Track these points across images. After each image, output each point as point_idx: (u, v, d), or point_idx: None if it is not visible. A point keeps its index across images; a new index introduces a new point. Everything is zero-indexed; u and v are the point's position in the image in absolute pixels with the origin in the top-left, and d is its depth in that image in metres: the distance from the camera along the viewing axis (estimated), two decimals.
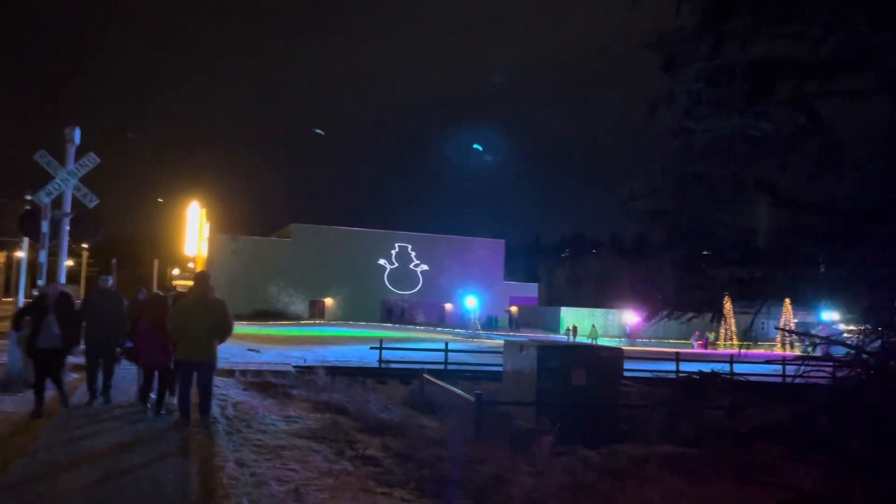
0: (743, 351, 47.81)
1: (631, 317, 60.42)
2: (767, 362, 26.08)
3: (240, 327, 39.51)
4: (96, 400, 10.32)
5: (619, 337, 56.36)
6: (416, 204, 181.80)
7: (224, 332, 9.09)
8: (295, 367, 18.00)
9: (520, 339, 21.40)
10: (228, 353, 22.11)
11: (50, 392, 9.87)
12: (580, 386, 11.95)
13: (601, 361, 12.09)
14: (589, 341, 47.56)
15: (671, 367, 22.15)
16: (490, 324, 62.52)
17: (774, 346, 54.93)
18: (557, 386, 11.92)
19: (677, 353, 23.69)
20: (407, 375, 18.02)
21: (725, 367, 23.67)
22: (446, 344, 21.53)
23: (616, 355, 12.33)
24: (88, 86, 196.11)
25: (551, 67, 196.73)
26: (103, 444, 8.03)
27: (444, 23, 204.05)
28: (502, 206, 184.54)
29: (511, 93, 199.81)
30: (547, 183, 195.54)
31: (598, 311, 66.72)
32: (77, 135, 12.98)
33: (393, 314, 64.74)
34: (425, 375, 14.62)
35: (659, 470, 9.00)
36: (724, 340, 53.78)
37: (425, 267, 68.23)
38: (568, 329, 52.39)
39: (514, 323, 63.60)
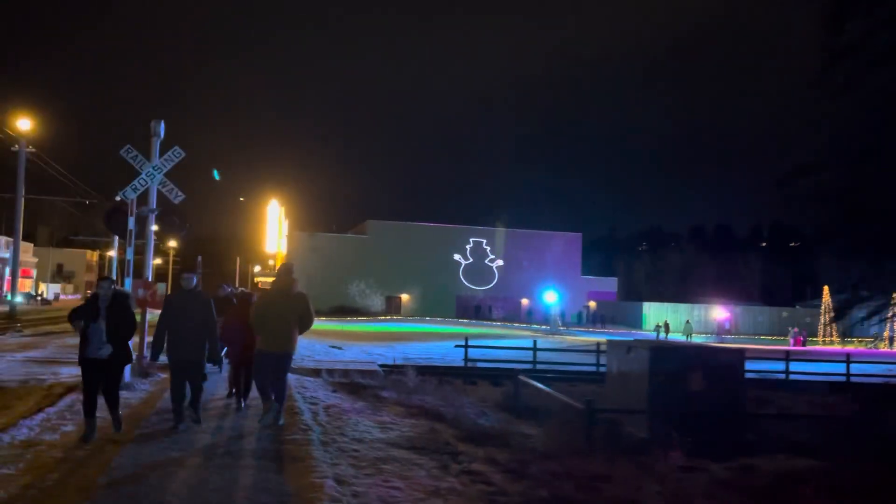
0: (871, 349, 44.64)
1: (719, 312, 57.82)
2: None
3: (319, 324, 39.56)
4: (181, 424, 8.48)
5: (707, 333, 53.90)
6: (492, 198, 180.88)
7: (305, 324, 9.04)
8: (381, 365, 17.39)
9: (620, 337, 20.27)
10: (312, 349, 21.77)
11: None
12: (698, 391, 10.80)
13: (721, 364, 10.91)
14: (684, 339, 45.66)
15: (779, 366, 20.54)
16: (577, 319, 61.10)
17: (874, 343, 51.40)
18: (673, 391, 10.80)
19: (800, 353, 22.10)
20: (497, 376, 17.16)
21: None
22: (535, 342, 20.56)
23: (738, 357, 11.11)
24: (170, 82, 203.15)
25: (625, 58, 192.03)
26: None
27: (514, 14, 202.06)
28: (577, 200, 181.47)
29: (584, 85, 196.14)
30: (622, 175, 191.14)
31: (682, 306, 64.07)
32: (162, 128, 12.63)
33: (468, 310, 64.04)
34: (521, 377, 13.71)
35: (813, 489, 7.82)
36: (824, 337, 50.71)
37: (500, 262, 67.25)
38: (658, 326, 50.23)
39: (597, 318, 61.81)
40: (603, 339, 37.40)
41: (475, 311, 63.74)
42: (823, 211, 6.85)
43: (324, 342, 25.52)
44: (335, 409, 10.62)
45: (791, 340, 47.81)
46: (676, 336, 47.69)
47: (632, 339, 14.52)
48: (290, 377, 13.43)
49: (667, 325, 50.22)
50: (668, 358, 11.01)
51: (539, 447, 9.49)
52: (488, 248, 67.59)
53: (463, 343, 20.23)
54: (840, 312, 6.23)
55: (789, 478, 8.39)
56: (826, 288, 53.20)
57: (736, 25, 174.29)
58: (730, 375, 10.94)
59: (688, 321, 50.46)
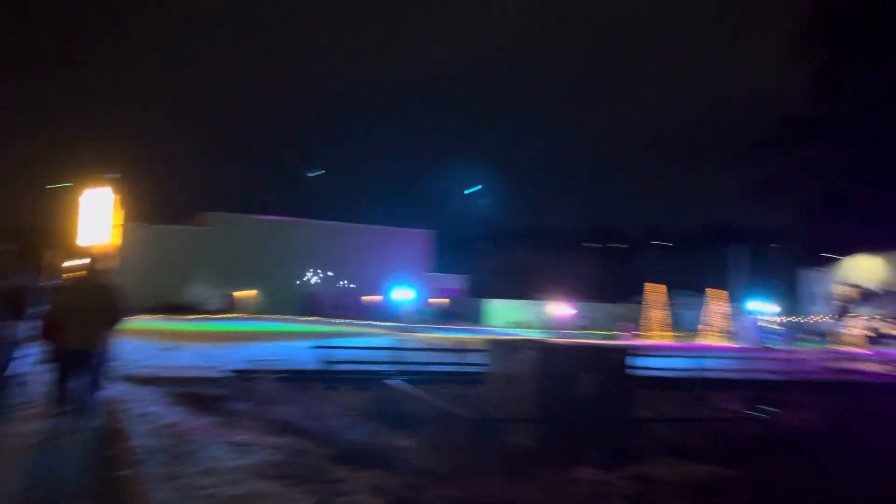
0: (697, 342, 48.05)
1: (560, 308, 59.75)
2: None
3: (153, 322, 36.05)
4: None
5: (544, 329, 55.44)
6: (343, 193, 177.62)
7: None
8: (228, 371, 15.38)
9: (471, 333, 19.53)
10: (144, 352, 19.22)
11: None
12: (588, 394, 10.04)
13: (612, 365, 10.22)
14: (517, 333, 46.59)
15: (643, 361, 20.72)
16: (428, 316, 60.64)
17: (696, 336, 55.24)
18: (562, 394, 9.96)
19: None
20: (360, 379, 15.72)
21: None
22: (398, 341, 19.32)
23: (625, 356, 10.48)
24: None
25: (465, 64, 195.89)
26: None
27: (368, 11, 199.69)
28: (427, 197, 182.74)
29: (439, 81, 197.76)
30: (466, 173, 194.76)
31: (525, 303, 65.65)
32: None
33: (316, 307, 61.71)
34: (391, 382, 12.41)
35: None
36: (651, 330, 53.65)
37: (351, 257, 65.50)
38: (515, 323, 51.17)
39: (448, 315, 61.79)
40: (459, 336, 37.34)
41: (323, 307, 61.52)
42: None
43: (157, 344, 22.79)
44: (178, 429, 8.76)
45: (623, 334, 49.88)
46: (533, 333, 48.56)
47: (502, 336, 13.66)
48: (119, 388, 11.27)
49: (524, 323, 51.32)
50: (558, 358, 10.16)
51: (427, 465, 8.22)
52: (337, 243, 65.59)
53: (319, 343, 18.59)
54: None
55: (681, 485, 7.73)
56: (654, 285, 56.43)
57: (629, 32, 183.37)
58: (620, 376, 10.28)
59: (525, 318, 52.01)
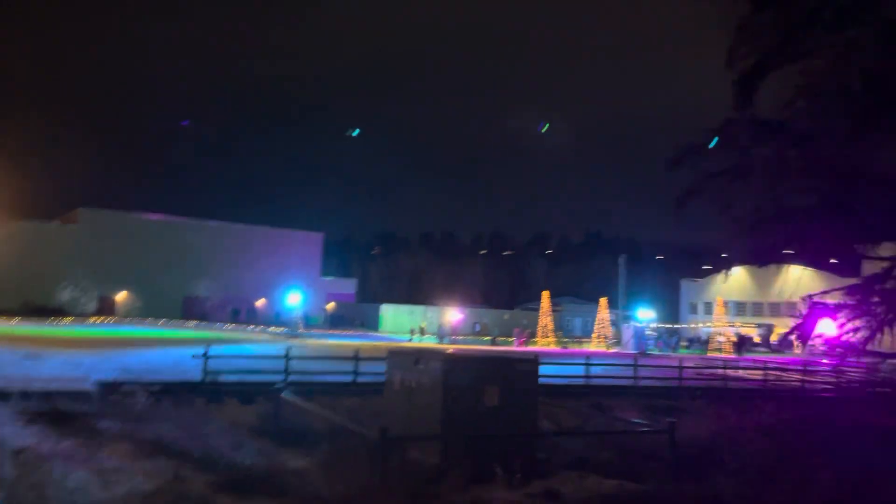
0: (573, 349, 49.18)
1: (452, 314, 59.70)
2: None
3: (11, 327, 32.87)
4: None
5: (441, 335, 55.25)
6: (228, 193, 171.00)
7: None
8: (97, 382, 13.88)
9: (362, 339, 18.74)
10: None
11: None
12: (494, 407, 9.60)
13: (518, 376, 9.82)
14: (416, 340, 46.09)
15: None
16: (314, 322, 58.96)
17: (583, 343, 56.78)
18: (468, 408, 9.46)
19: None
20: (246, 392, 14.64)
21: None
22: (287, 349, 18.22)
23: (533, 368, 10.13)
24: None
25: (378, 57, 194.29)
26: None
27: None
28: (316, 200, 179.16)
29: (334, 83, 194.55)
30: (361, 177, 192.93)
31: (418, 308, 65.33)
32: None
33: (199, 311, 58.75)
34: (283, 395, 11.48)
35: None
36: (542, 337, 54.54)
37: (237, 260, 62.86)
38: (413, 330, 50.50)
39: (336, 320, 60.39)
40: (353, 343, 36.13)
41: (207, 313, 58.63)
42: None
43: (16, 351, 20.63)
44: (30, 455, 7.56)
45: (515, 341, 50.69)
46: (430, 339, 48.16)
47: (400, 343, 13.02)
48: None
49: (423, 330, 50.70)
50: (463, 370, 9.65)
51: (323, 489, 7.48)
52: (221, 244, 62.78)
53: (201, 352, 17.22)
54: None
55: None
56: (546, 293, 57.58)
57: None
58: (526, 389, 9.90)
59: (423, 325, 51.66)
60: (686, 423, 12.38)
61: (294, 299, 42.71)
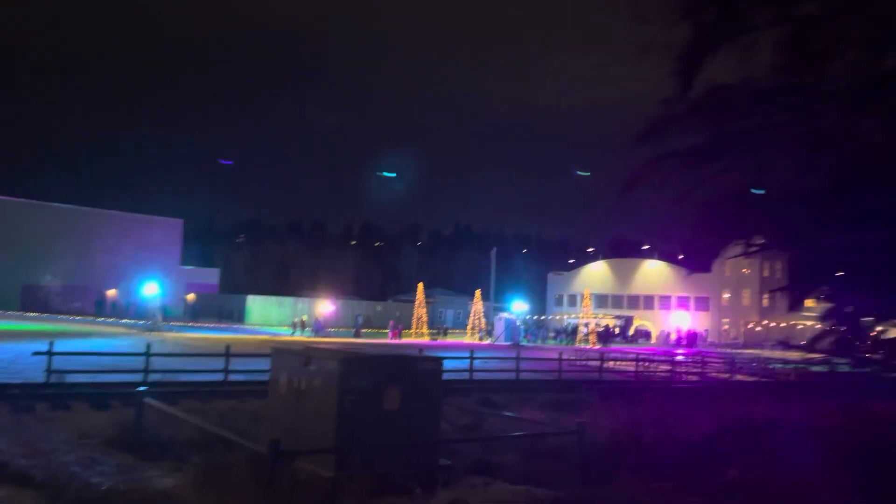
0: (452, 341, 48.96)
1: (324, 305, 57.92)
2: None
3: None
4: None
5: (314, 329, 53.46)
6: (79, 174, 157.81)
7: None
8: None
9: (229, 333, 17.22)
10: None
11: None
12: (394, 411, 8.67)
13: (421, 376, 8.93)
14: (298, 334, 44.08)
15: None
16: (177, 313, 55.19)
17: (457, 335, 56.88)
18: (366, 413, 8.48)
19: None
20: (100, 394, 12.82)
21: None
22: (148, 346, 16.32)
23: (437, 367, 9.27)
24: None
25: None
26: None
27: None
28: (175, 185, 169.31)
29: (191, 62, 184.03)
30: (219, 164, 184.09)
31: (287, 300, 62.96)
32: None
33: (42, 302, 53.43)
34: (147, 400, 9.95)
35: None
36: (416, 329, 54.01)
37: (87, 246, 57.76)
38: (295, 323, 47.88)
39: (202, 312, 56.90)
40: (219, 337, 33.85)
41: (52, 303, 53.37)
42: None
43: None
44: None
45: (390, 333, 49.85)
46: (284, 331, 46.21)
47: (282, 338, 11.80)
48: None
49: (303, 323, 48.62)
50: (362, 371, 8.65)
51: None
52: (68, 229, 57.48)
53: (44, 348, 15.06)
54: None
55: None
56: (420, 284, 57.20)
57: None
58: (429, 391, 9.05)
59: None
60: (586, 422, 12.01)
61: (151, 290, 39.56)
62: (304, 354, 9.23)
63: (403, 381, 8.85)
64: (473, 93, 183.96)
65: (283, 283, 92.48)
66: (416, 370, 9.05)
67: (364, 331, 51.63)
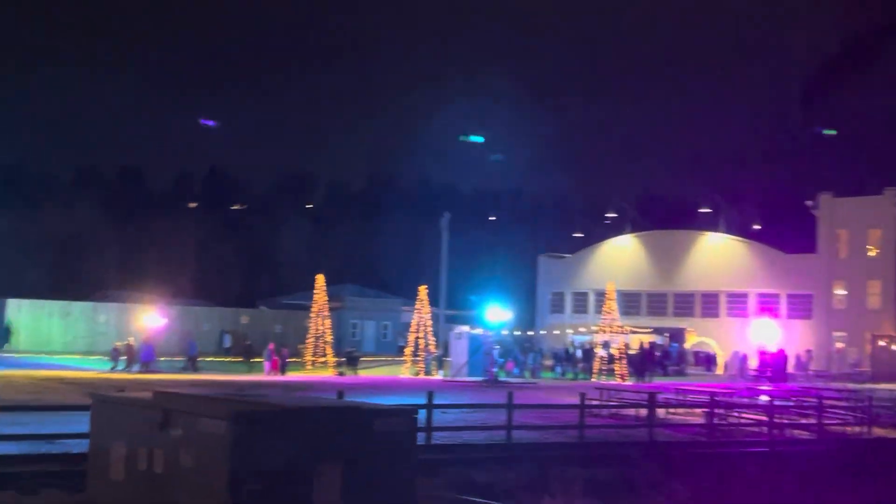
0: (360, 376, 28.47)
1: (148, 315, 32.80)
2: None
3: None
4: None
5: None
6: None
7: None
8: None
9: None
10: None
11: None
12: (335, 501, 4.91)
13: (380, 442, 5.20)
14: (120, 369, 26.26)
15: None
16: None
17: (400, 366, 34.65)
18: None
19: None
20: None
21: None
22: None
23: (406, 426, 5.47)
24: None
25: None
26: None
27: None
28: None
29: None
30: None
31: (76, 307, 40.26)
32: None
33: None
34: None
35: None
36: (314, 357, 33.26)
37: None
38: (118, 349, 29.22)
39: None
40: None
41: None
42: None
43: None
44: None
45: (266, 364, 30.95)
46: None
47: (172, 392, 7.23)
48: None
49: (129, 349, 29.35)
50: (273, 435, 4.84)
51: None
52: None
53: None
54: None
55: None
56: (320, 277, 28.34)
57: None
58: (393, 462, 5.35)
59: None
60: None
61: None
62: (160, 408, 5.18)
63: (349, 453, 5.09)
64: None
65: (64, 279, 55.88)
66: (371, 432, 5.26)
67: (225, 360, 33.05)
